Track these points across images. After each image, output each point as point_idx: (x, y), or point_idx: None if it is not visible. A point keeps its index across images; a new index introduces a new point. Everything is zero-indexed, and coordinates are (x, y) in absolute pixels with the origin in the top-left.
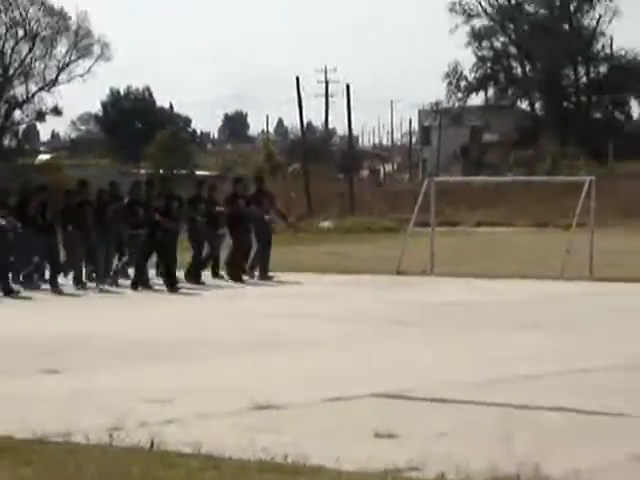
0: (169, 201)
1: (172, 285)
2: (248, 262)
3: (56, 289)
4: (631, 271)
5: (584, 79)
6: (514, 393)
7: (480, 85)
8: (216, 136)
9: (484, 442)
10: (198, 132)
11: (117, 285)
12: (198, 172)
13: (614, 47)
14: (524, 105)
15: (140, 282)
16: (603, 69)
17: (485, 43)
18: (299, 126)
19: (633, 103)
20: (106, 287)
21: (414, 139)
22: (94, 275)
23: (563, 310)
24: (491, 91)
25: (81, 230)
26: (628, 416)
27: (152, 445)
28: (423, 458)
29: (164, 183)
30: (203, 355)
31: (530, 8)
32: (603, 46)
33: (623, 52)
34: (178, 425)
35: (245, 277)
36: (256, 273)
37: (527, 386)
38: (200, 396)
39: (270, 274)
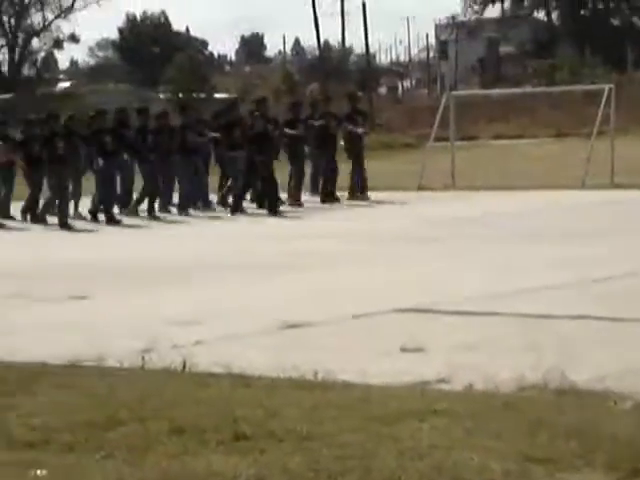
0: (265, 122)
1: (274, 209)
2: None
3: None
4: None
5: None
6: (536, 303)
7: None
8: (233, 58)
9: (510, 353)
10: (215, 54)
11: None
12: (217, 95)
13: None
14: (541, 15)
15: (240, 207)
16: None
17: None
18: (316, 45)
19: None
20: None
21: (431, 54)
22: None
23: (584, 219)
24: (507, 2)
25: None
26: None
27: (184, 366)
28: (450, 370)
29: (259, 104)
30: (228, 278)
31: None
32: None
33: None
34: (208, 346)
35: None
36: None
37: (548, 296)
38: (228, 317)
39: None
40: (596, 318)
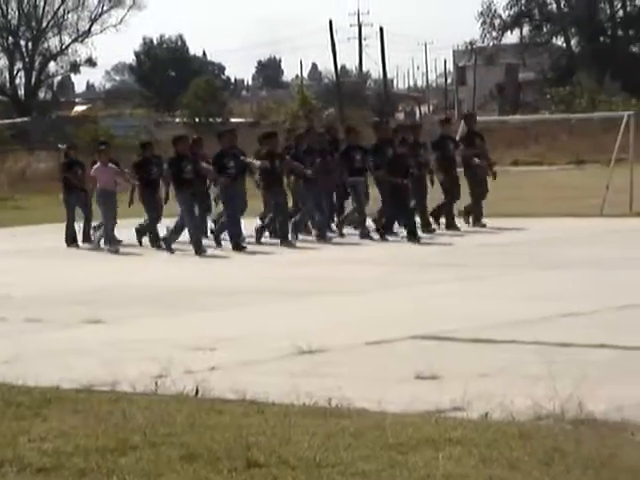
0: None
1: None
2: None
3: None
4: None
5: (620, 13)
6: (554, 331)
7: (514, 23)
8: (250, 83)
9: (526, 381)
10: (232, 79)
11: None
12: (233, 119)
13: None
14: (559, 42)
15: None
16: (639, 2)
17: None
18: (333, 70)
19: None
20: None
21: (449, 80)
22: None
23: (603, 247)
24: (526, 29)
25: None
26: None
27: (197, 392)
28: (466, 398)
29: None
30: (246, 302)
31: None
32: None
33: None
34: (222, 372)
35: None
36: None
37: (567, 324)
38: (243, 343)
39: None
40: (614, 347)
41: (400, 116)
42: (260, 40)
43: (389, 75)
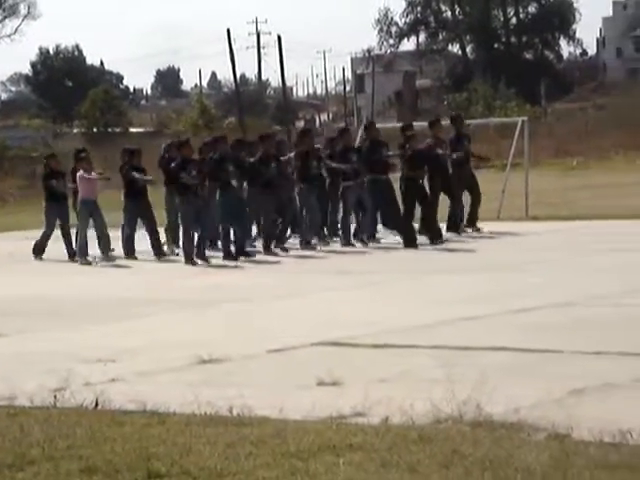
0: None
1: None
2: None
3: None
4: (565, 209)
5: (514, 20)
6: (453, 335)
7: (411, 30)
8: (149, 92)
9: (426, 385)
10: (131, 88)
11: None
12: (132, 129)
13: None
14: (455, 49)
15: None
16: (532, 9)
17: None
18: (232, 79)
19: (562, 42)
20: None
21: (348, 87)
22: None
23: (501, 251)
24: (422, 36)
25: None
26: (566, 352)
27: (97, 404)
28: (367, 404)
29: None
30: (146, 313)
31: None
32: None
33: None
34: (122, 384)
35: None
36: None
37: (468, 327)
38: (144, 354)
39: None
40: (512, 349)
41: (300, 124)
42: (158, 49)
43: (288, 83)
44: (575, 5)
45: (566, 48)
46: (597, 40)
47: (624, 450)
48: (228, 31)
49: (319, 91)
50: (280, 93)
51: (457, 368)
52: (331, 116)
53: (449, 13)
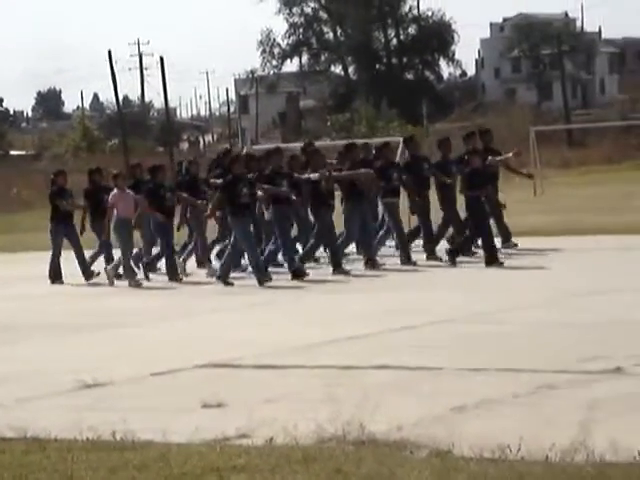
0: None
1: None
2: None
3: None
4: None
5: (394, 41)
6: (336, 355)
7: (293, 51)
8: (30, 114)
9: (310, 405)
10: (11, 110)
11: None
12: (13, 152)
13: (421, 8)
14: (338, 70)
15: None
16: (412, 30)
17: (296, 10)
18: (115, 101)
19: (442, 63)
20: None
21: (232, 108)
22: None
23: (395, 271)
24: (305, 57)
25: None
26: (448, 369)
27: None
28: (251, 425)
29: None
30: (27, 337)
31: None
32: (410, 8)
33: (430, 13)
34: (1, 410)
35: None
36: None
37: (353, 347)
38: (24, 379)
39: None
40: (395, 367)
41: (184, 145)
42: (39, 71)
43: (172, 104)
44: (454, 27)
45: (446, 69)
46: (476, 61)
47: (503, 465)
48: (109, 52)
49: (203, 112)
50: (163, 114)
51: (340, 388)
52: (215, 137)
53: (331, 34)
